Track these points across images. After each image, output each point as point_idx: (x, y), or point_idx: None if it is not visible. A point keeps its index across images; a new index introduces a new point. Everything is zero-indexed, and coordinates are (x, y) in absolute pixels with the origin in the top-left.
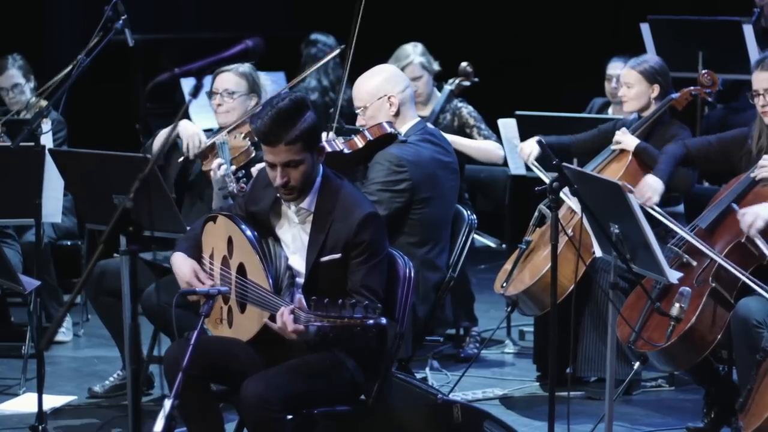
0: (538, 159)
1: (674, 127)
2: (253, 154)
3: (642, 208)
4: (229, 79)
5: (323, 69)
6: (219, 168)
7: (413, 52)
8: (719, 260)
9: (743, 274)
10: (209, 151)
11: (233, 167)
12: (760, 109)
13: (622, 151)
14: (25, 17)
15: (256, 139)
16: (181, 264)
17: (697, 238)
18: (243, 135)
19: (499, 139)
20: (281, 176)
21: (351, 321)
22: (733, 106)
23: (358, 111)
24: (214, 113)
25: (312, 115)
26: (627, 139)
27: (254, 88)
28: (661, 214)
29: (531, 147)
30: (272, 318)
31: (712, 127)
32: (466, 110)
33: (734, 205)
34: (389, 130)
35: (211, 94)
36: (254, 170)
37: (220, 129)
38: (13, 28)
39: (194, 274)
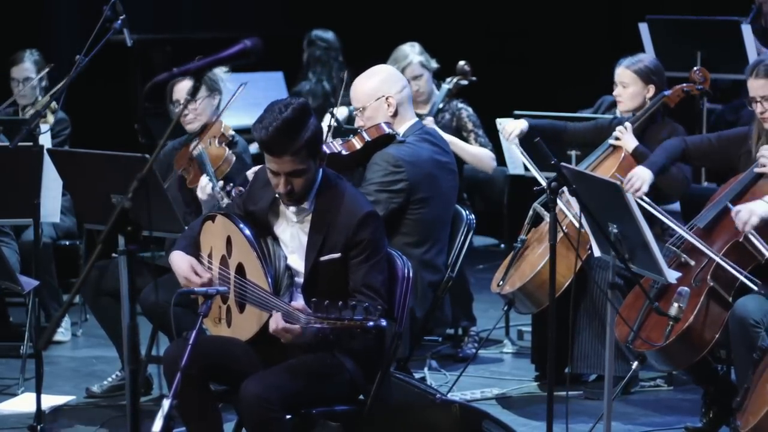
0: (522, 143)
1: (666, 128)
2: (234, 159)
3: (640, 206)
4: (188, 85)
5: (326, 73)
6: (206, 186)
7: (411, 51)
8: (717, 259)
9: (741, 273)
10: (189, 165)
11: (220, 183)
12: (759, 115)
13: (617, 147)
14: (23, 17)
15: (230, 138)
16: (180, 261)
17: (695, 237)
18: (217, 140)
19: (494, 148)
20: (285, 185)
21: (351, 323)
22: (735, 104)
23: (356, 112)
24: (182, 123)
25: (314, 122)
26: (627, 139)
27: (214, 87)
28: (657, 210)
29: (514, 126)
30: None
31: (714, 127)
32: (466, 113)
33: (729, 204)
34: (387, 130)
35: (174, 105)
36: (250, 173)
37: (190, 137)
38: (12, 27)
39: (192, 269)
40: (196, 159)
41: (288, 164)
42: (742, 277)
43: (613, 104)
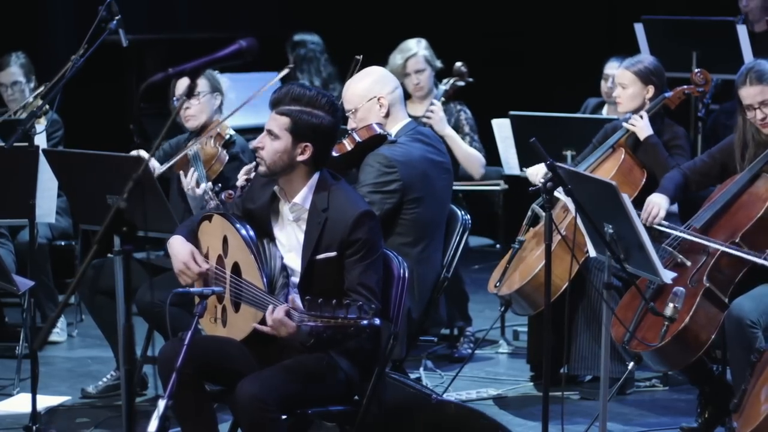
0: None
1: (668, 131)
2: (227, 159)
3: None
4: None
5: (315, 69)
6: (198, 186)
7: (417, 45)
8: (722, 248)
9: (751, 254)
10: (183, 164)
11: (209, 184)
12: (759, 122)
13: (615, 149)
14: (19, 17)
15: (227, 137)
16: (180, 247)
17: (696, 234)
18: (213, 139)
19: (487, 153)
20: (259, 140)
21: (345, 321)
22: (728, 108)
23: (348, 114)
24: (183, 120)
25: (327, 119)
26: (642, 126)
27: (216, 87)
28: (678, 230)
29: (537, 169)
30: (264, 320)
31: (710, 129)
32: (464, 116)
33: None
34: (378, 131)
35: (176, 101)
36: (243, 172)
37: (191, 134)
38: (8, 28)
39: (192, 255)
40: (190, 160)
41: (270, 120)
42: (753, 258)
43: (599, 106)
